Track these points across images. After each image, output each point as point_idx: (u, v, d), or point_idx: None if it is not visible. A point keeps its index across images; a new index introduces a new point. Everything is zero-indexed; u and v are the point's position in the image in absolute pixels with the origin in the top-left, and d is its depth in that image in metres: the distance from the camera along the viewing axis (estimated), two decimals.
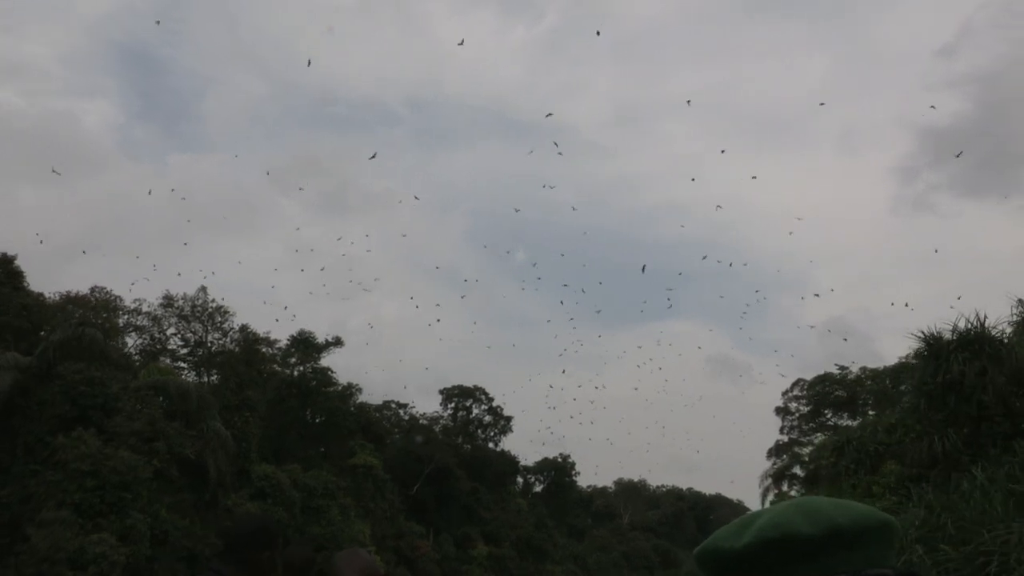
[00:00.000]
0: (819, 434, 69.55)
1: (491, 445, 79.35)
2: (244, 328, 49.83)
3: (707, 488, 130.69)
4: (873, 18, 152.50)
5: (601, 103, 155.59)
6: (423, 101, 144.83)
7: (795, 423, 69.89)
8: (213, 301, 48.88)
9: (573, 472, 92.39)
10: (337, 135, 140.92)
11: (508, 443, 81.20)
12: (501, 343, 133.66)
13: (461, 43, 65.28)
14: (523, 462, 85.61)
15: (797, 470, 70.43)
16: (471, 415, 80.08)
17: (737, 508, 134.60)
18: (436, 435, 71.39)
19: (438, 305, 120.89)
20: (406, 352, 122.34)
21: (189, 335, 48.27)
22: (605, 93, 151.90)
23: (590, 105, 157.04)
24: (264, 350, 53.50)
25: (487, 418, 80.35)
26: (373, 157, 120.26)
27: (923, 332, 19.05)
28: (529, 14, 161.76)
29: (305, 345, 58.24)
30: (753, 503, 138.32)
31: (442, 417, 78.61)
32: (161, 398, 34.93)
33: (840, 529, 1.12)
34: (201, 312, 48.31)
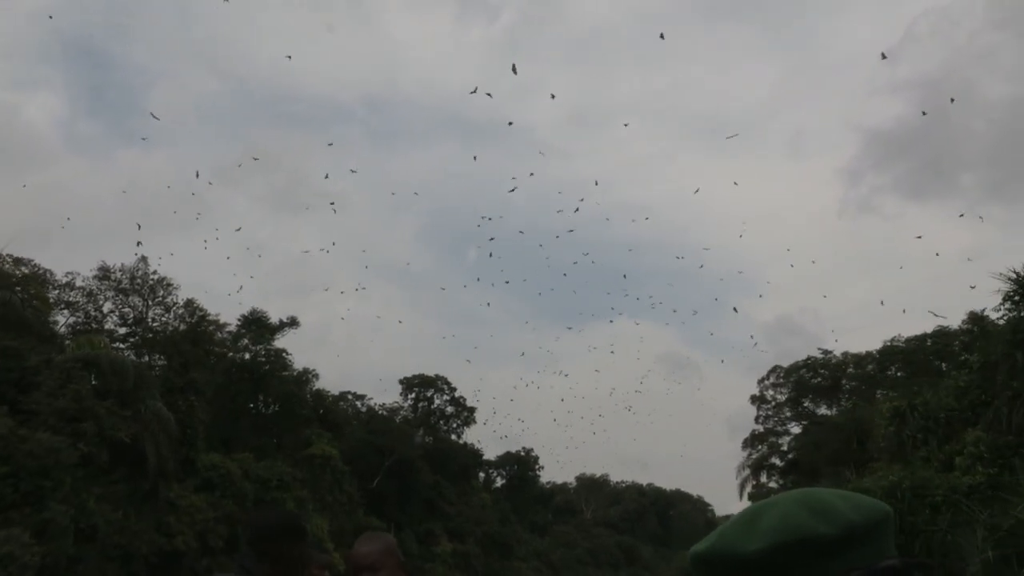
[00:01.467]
0: (795, 424, 66.91)
1: (454, 437, 75.48)
2: (190, 303, 45.36)
3: (665, 484, 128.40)
4: (822, 23, 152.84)
5: (556, 104, 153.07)
6: (379, 100, 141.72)
7: (771, 412, 66.93)
8: (155, 273, 44.21)
9: (536, 467, 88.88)
10: (290, 133, 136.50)
11: (470, 436, 77.12)
12: (457, 342, 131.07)
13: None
14: (484, 456, 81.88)
15: (776, 460, 67.72)
16: (432, 406, 76.03)
17: (697, 503, 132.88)
18: (396, 426, 67.16)
19: (392, 305, 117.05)
20: (360, 351, 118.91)
21: (127, 310, 43.45)
22: (560, 94, 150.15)
23: (545, 106, 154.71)
24: (213, 332, 48.94)
25: (449, 409, 76.36)
26: (330, 145, 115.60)
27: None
28: (485, 15, 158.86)
29: (257, 326, 53.78)
30: (713, 498, 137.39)
31: (402, 408, 74.51)
32: (92, 375, 30.52)
33: (854, 526, 1.13)
34: (141, 285, 43.62)
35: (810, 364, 59.97)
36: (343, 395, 71.68)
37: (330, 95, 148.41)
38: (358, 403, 74.16)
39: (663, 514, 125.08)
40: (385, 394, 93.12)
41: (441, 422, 76.12)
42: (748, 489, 65.22)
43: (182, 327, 45.44)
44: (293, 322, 55.28)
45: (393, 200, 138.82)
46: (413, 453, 64.57)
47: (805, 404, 61.70)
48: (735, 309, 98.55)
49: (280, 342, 54.33)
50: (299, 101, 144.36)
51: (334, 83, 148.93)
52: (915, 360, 54.20)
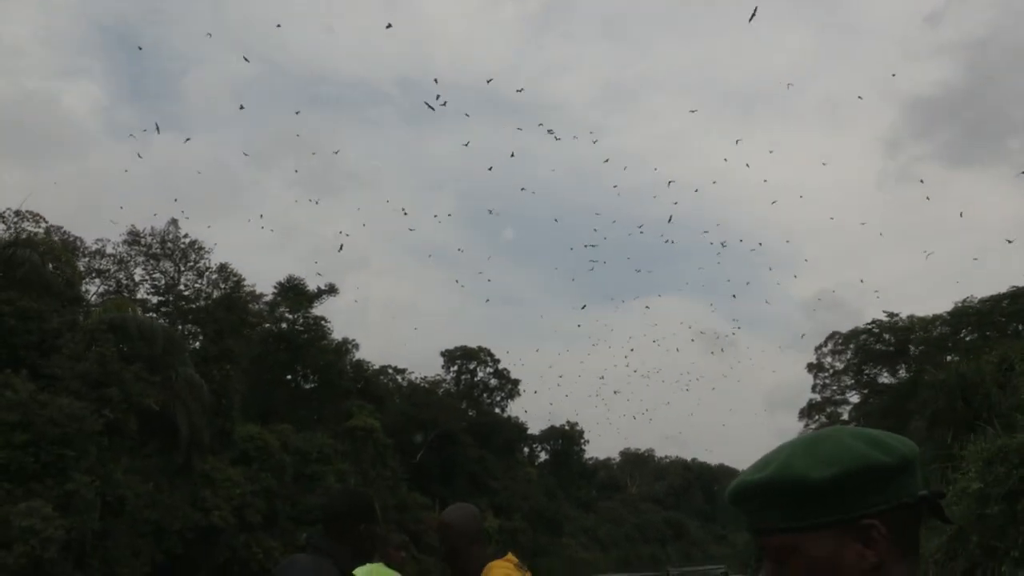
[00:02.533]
0: (854, 393, 63.83)
1: (497, 411, 73.27)
2: (224, 268, 43.28)
3: (709, 460, 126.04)
4: None
5: (588, 81, 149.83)
6: (411, 81, 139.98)
7: (828, 380, 63.95)
8: (186, 236, 42.20)
9: (582, 440, 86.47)
10: (324, 114, 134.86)
11: (513, 409, 74.75)
12: (495, 322, 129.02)
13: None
14: (528, 431, 79.52)
15: None
16: (475, 378, 73.79)
17: None
18: (439, 399, 65.03)
19: (428, 285, 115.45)
20: (398, 332, 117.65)
21: (158, 275, 41.53)
22: (591, 71, 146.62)
23: (577, 83, 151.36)
24: (248, 299, 46.98)
25: (493, 381, 74.08)
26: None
27: None
28: None
29: (295, 293, 51.79)
30: None
31: (444, 381, 72.28)
32: (119, 340, 28.50)
33: (906, 458, 1.21)
34: (172, 249, 41.65)
35: (874, 329, 56.82)
36: (383, 369, 69.60)
37: (364, 76, 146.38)
38: (399, 377, 72.20)
39: (708, 489, 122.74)
40: (426, 369, 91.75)
41: (484, 395, 73.92)
42: None
43: (216, 293, 43.43)
44: (332, 289, 53.26)
45: (427, 180, 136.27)
46: (457, 426, 62.53)
47: (867, 372, 58.64)
48: (778, 284, 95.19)
49: (319, 310, 52.50)
50: (333, 83, 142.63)
51: (368, 64, 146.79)
52: (990, 322, 51.11)
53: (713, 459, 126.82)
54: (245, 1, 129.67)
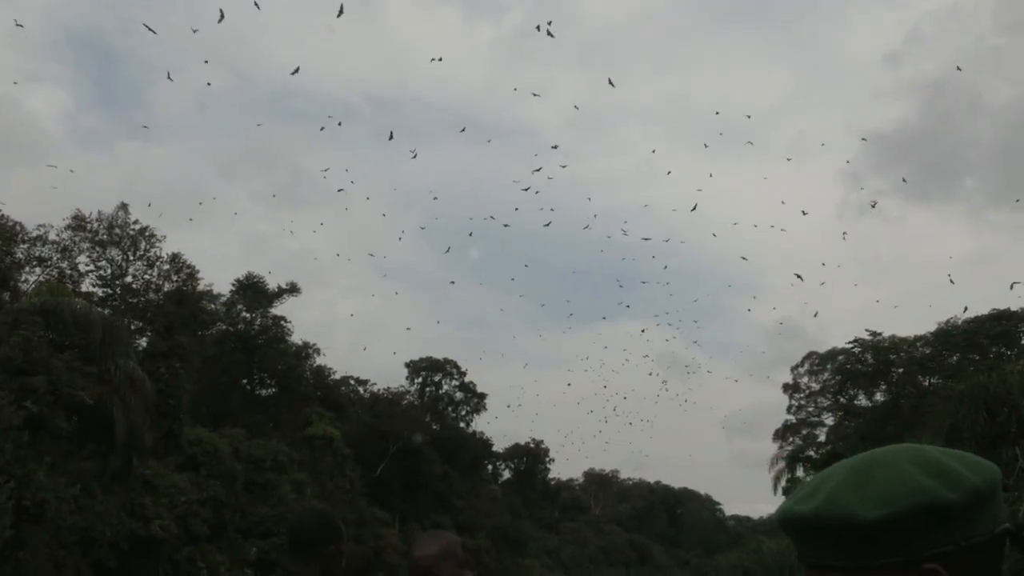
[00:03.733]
0: (828, 415, 61.79)
1: (463, 425, 70.48)
2: (176, 258, 40.30)
3: (671, 482, 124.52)
4: (826, 25, 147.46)
5: (564, 106, 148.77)
6: (385, 99, 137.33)
7: (803, 401, 61.99)
8: (136, 223, 39.23)
9: (547, 459, 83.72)
10: (294, 129, 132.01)
11: (479, 425, 72.04)
12: (460, 341, 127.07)
13: (438, 59, 57.84)
14: (492, 448, 76.72)
15: (812, 452, 62.68)
16: (441, 391, 71.01)
17: (705, 502, 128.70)
18: (402, 410, 62.17)
19: (394, 303, 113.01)
20: (362, 350, 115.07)
21: (104, 263, 38.50)
22: (567, 96, 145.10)
23: (550, 108, 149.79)
24: (202, 296, 44.02)
25: (458, 395, 71.32)
26: (322, 129, 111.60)
27: None
28: (494, 14, 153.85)
29: (253, 291, 48.85)
30: (719, 495, 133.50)
31: (409, 393, 69.42)
32: (50, 326, 25.57)
33: (979, 491, 1.04)
34: (120, 236, 38.64)
35: (854, 348, 54.89)
36: (345, 380, 66.58)
37: (336, 93, 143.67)
38: (361, 388, 69.31)
39: (672, 512, 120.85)
40: (390, 382, 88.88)
41: (449, 409, 71.12)
42: (783, 483, 60.34)
43: (167, 286, 40.47)
44: (293, 289, 50.38)
45: (397, 198, 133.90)
46: (420, 440, 59.74)
47: (846, 393, 56.68)
48: (748, 310, 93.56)
49: (279, 311, 49.59)
50: (304, 98, 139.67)
51: (340, 81, 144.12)
52: (975, 343, 49.55)
53: (677, 482, 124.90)
54: (216, 12, 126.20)
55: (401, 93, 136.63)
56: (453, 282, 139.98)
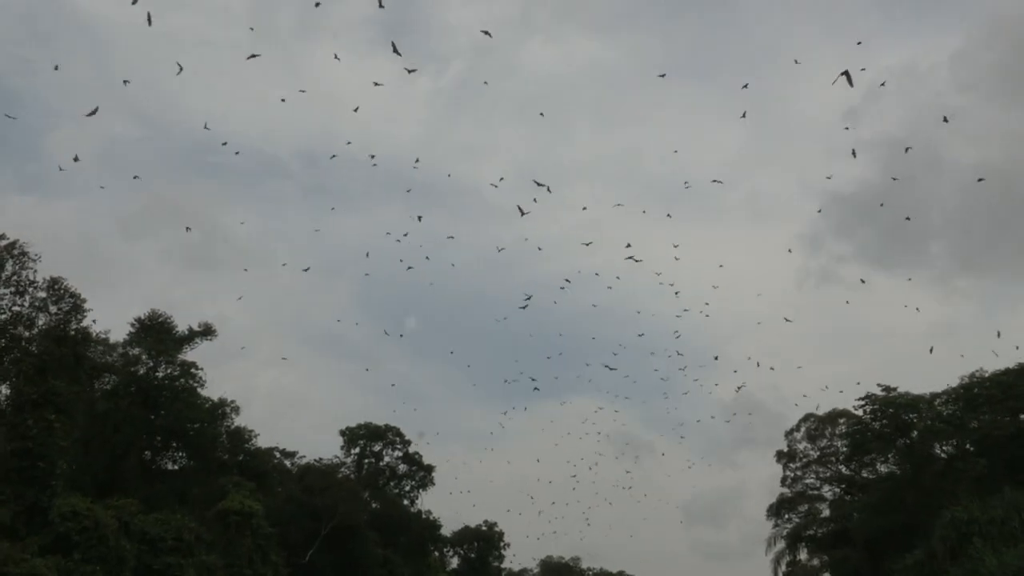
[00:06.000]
0: (827, 487, 54.40)
1: (407, 503, 61.19)
2: (56, 283, 31.74)
3: (635, 571, 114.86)
4: (783, 83, 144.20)
5: (506, 165, 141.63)
6: (316, 155, 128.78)
7: (800, 471, 54.64)
8: (2, 238, 30.80)
9: (502, 544, 74.13)
10: (213, 185, 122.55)
11: (426, 502, 62.71)
12: (393, 419, 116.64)
13: (356, 109, 51.97)
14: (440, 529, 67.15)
15: (815, 530, 55.04)
16: (381, 463, 61.85)
17: None
18: (337, 483, 52.93)
19: (321, 376, 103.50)
20: (284, 428, 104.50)
21: None
22: (509, 154, 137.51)
23: (493, 166, 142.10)
24: (88, 336, 35.27)
25: (402, 467, 62.22)
26: (246, 185, 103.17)
27: None
28: (433, 66, 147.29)
29: (157, 332, 40.04)
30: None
31: (344, 464, 60.15)
32: None
33: None
34: None
35: (866, 407, 47.71)
36: (269, 451, 57.20)
37: (262, 147, 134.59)
38: (287, 462, 60.03)
39: None
40: (321, 453, 78.42)
41: (392, 483, 61.86)
42: (783, 567, 52.48)
43: (42, 319, 31.78)
44: (208, 331, 41.76)
45: (326, 262, 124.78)
46: (358, 518, 50.71)
47: (859, 460, 49.35)
48: (700, 385, 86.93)
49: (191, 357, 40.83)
50: (224, 152, 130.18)
51: (267, 134, 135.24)
52: (1011, 396, 43.07)
53: (640, 573, 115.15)
54: (132, 56, 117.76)
55: (332, 148, 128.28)
56: (391, 349, 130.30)
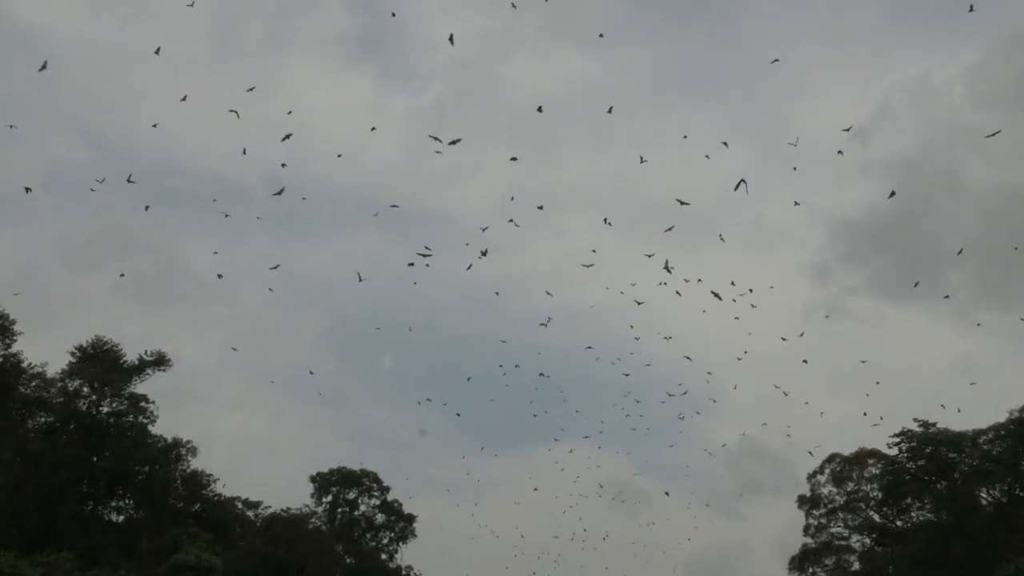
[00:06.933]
0: (860, 536, 49.39)
1: (385, 557, 55.18)
2: None
3: None
4: (788, 101, 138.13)
5: (490, 190, 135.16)
6: (282, 180, 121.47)
7: (824, 519, 49.58)
8: None
9: None
10: (170, 212, 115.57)
11: (407, 556, 56.67)
12: (370, 463, 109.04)
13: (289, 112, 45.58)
14: None
15: None
16: (356, 512, 55.98)
17: None
18: (307, 534, 47.09)
19: (287, 420, 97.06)
20: (247, 477, 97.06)
21: None
22: (495, 178, 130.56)
23: (476, 192, 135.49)
24: (19, 364, 29.77)
25: (379, 517, 56.34)
26: (209, 213, 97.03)
27: None
28: (412, 84, 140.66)
29: (103, 362, 34.57)
30: None
31: (315, 514, 54.26)
32: None
33: None
34: None
35: (902, 445, 42.93)
36: (230, 501, 51.24)
37: (224, 171, 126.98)
38: (251, 513, 54.22)
39: None
40: (289, 501, 71.20)
41: (368, 535, 55.88)
42: None
43: None
44: (161, 361, 36.31)
45: (294, 295, 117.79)
46: (329, 573, 44.96)
47: (895, 505, 44.45)
48: (700, 431, 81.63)
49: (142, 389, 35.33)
50: (185, 176, 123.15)
51: (229, 157, 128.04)
52: None
53: None
54: (82, 74, 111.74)
55: (301, 173, 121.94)
56: (362, 389, 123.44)
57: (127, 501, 36.78)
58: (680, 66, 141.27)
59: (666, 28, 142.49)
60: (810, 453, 78.56)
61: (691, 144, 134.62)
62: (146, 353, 37.76)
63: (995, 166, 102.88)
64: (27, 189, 29.75)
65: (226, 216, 36.00)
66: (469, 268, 32.69)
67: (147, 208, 31.31)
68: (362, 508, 56.48)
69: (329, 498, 56.15)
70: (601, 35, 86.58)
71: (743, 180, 27.75)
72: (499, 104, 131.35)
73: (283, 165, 55.19)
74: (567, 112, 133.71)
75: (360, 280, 34.47)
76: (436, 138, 28.83)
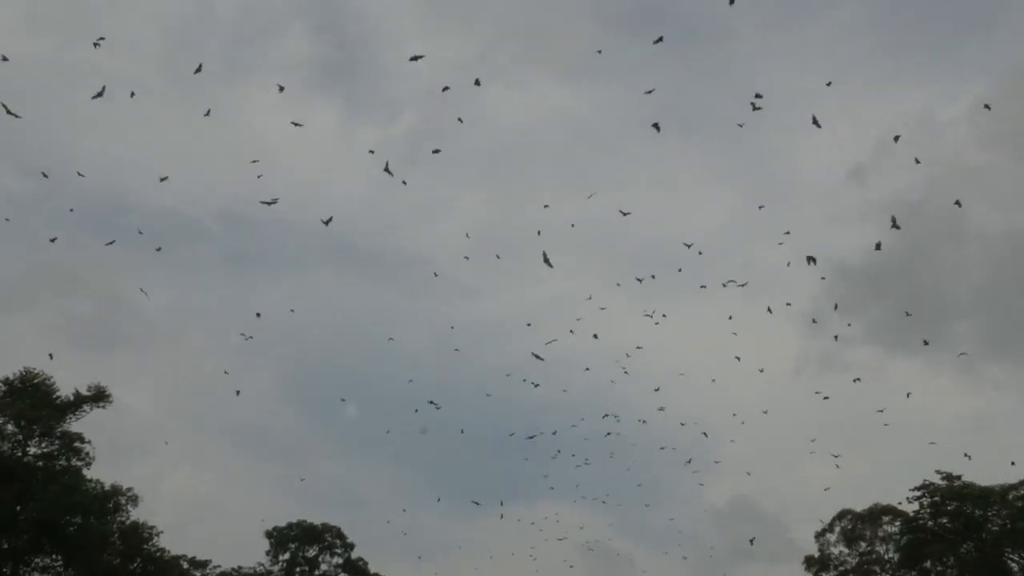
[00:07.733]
0: None
1: None
2: None
3: None
4: (780, 138, 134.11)
5: (462, 229, 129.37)
6: (238, 216, 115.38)
7: None
8: None
9: None
10: (115, 249, 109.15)
11: None
12: (331, 515, 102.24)
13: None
14: None
15: None
16: (317, 571, 50.72)
17: None
18: None
19: (237, 476, 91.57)
20: (191, 540, 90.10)
21: None
22: (468, 217, 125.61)
23: (448, 231, 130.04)
24: None
25: None
26: (159, 250, 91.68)
27: None
28: (381, 113, 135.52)
29: (32, 396, 29.87)
30: None
31: (270, 573, 48.99)
32: None
33: None
34: None
35: (924, 499, 39.23)
36: (174, 559, 45.95)
37: (176, 206, 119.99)
38: (197, 572, 48.91)
39: None
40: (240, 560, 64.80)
41: None
42: None
43: None
44: (100, 396, 31.69)
45: (247, 340, 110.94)
46: None
47: (910, 567, 40.55)
48: (691, 488, 77.54)
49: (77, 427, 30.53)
50: (130, 210, 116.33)
51: (183, 191, 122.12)
52: None
53: None
54: (17, 97, 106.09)
55: (259, 209, 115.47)
56: (324, 443, 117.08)
57: (55, 557, 31.94)
58: (666, 101, 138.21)
59: (647, 59, 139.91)
60: (808, 523, 73.76)
61: (679, 183, 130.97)
62: (86, 388, 33.13)
63: (1002, 210, 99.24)
64: None
65: (158, 250, 31.33)
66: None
67: (54, 240, 27.53)
68: (323, 567, 51.20)
69: (287, 556, 50.94)
70: (599, 51, 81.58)
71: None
72: (472, 136, 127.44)
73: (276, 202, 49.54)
74: (544, 145, 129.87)
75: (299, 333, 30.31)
76: (389, 171, 26.67)
